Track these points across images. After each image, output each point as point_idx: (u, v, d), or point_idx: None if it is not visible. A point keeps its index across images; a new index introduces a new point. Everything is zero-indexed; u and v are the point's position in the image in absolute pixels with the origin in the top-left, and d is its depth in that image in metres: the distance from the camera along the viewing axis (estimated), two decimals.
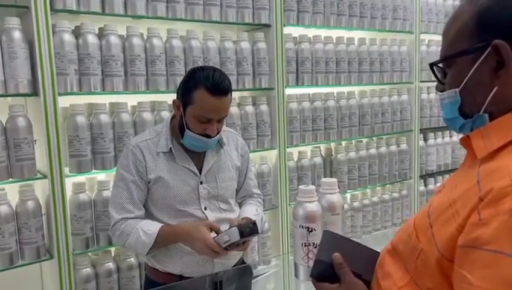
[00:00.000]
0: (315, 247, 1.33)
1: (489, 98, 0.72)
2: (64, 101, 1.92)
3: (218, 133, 1.53)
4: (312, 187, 1.42)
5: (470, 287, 0.61)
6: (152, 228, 1.49)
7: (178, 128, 1.54)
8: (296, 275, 1.37)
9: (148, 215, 1.57)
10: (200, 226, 1.46)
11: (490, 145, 0.71)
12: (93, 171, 1.98)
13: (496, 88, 0.72)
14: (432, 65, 0.83)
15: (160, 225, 1.51)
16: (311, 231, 1.34)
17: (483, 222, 0.61)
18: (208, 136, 1.50)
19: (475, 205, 0.63)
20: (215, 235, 1.45)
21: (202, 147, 1.54)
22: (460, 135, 0.81)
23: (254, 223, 1.45)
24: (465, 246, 0.63)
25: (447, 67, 0.80)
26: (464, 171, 0.77)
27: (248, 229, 1.42)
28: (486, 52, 0.72)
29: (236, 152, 1.69)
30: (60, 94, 1.85)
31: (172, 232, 1.50)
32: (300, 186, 1.42)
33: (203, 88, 1.43)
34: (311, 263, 1.34)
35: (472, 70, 0.74)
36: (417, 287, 0.72)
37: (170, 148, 1.54)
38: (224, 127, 1.61)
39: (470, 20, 0.74)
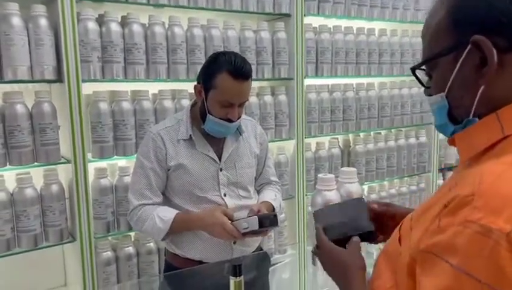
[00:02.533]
0: None
1: (476, 99, 0.66)
2: (87, 88, 1.96)
3: (239, 118, 1.54)
4: (331, 176, 1.43)
5: None
6: (168, 214, 1.52)
7: (199, 114, 1.56)
8: (314, 263, 1.38)
9: (168, 202, 1.60)
10: (215, 211, 1.48)
11: (472, 149, 0.67)
12: (115, 157, 2.02)
13: (482, 88, 0.65)
14: (413, 70, 0.77)
15: (175, 211, 1.53)
16: None
17: (441, 229, 0.60)
18: (230, 121, 1.51)
19: (439, 212, 0.62)
20: (229, 221, 1.47)
21: (223, 132, 1.56)
22: None
23: (275, 215, 1.46)
24: (424, 251, 0.62)
25: (431, 70, 0.73)
26: (454, 173, 0.76)
27: (268, 221, 1.44)
28: (467, 50, 0.65)
29: (255, 140, 1.70)
30: (83, 81, 1.89)
31: (188, 219, 1.53)
32: (320, 175, 1.43)
33: (225, 72, 1.45)
34: None
35: (455, 72, 0.67)
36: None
37: (190, 135, 1.56)
38: (243, 116, 1.62)
39: (445, 18, 0.68)
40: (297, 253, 2.53)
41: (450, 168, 3.29)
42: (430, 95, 0.76)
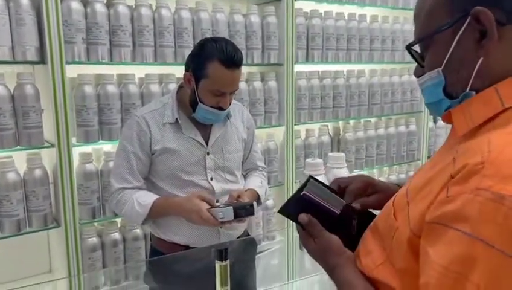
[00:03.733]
0: None
1: (474, 72, 0.67)
2: (72, 71, 1.91)
3: (229, 105, 1.52)
4: (319, 161, 1.41)
5: (428, 260, 0.60)
6: (147, 199, 1.50)
7: (189, 102, 1.52)
8: (301, 247, 1.37)
9: (153, 186, 1.57)
10: (192, 198, 1.45)
11: (471, 122, 0.67)
12: (100, 141, 1.98)
13: (480, 60, 0.66)
14: (408, 47, 0.76)
15: (155, 196, 1.51)
16: None
17: (450, 199, 0.59)
18: (221, 109, 1.49)
19: (446, 182, 0.61)
20: (208, 207, 1.45)
21: (214, 119, 1.53)
22: None
23: (251, 205, 1.45)
24: (431, 222, 0.61)
25: (425, 49, 0.74)
26: (446, 148, 0.75)
27: (244, 211, 1.43)
28: (466, 22, 0.66)
29: (242, 124, 1.68)
30: (67, 63, 1.84)
31: (166, 205, 1.51)
32: (308, 160, 1.42)
33: (216, 61, 1.41)
34: None
35: (453, 45, 0.68)
36: (392, 267, 0.70)
37: (176, 118, 1.53)
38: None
39: None
40: (286, 239, 2.53)
41: None
42: (420, 76, 0.76)
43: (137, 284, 2.01)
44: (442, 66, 0.70)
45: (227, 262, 1.15)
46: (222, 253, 1.13)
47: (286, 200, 0.90)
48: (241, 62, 1.45)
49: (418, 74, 0.77)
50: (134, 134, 1.52)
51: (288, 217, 0.90)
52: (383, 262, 0.72)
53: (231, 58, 1.41)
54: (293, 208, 0.88)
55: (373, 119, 2.97)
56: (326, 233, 0.82)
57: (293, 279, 1.91)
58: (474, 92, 0.68)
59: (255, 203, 1.49)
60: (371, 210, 0.95)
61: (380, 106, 2.91)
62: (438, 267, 0.58)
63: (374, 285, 0.73)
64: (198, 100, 1.48)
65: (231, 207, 1.41)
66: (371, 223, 0.82)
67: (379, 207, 0.94)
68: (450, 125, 0.80)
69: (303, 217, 0.84)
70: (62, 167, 1.85)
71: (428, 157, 3.23)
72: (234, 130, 1.64)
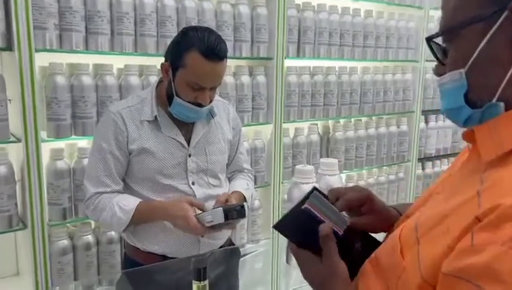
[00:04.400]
0: None
1: (506, 78, 0.55)
2: (42, 59, 1.75)
3: (210, 102, 1.38)
4: (310, 167, 1.30)
5: None
6: (129, 203, 1.36)
7: (166, 95, 1.39)
8: (287, 261, 1.26)
9: (129, 190, 1.44)
10: (180, 203, 1.33)
11: (500, 146, 0.55)
12: (73, 137, 1.83)
13: None
14: (429, 40, 0.66)
15: (138, 200, 1.38)
16: None
17: (476, 248, 0.48)
18: (199, 105, 1.35)
19: (469, 225, 0.50)
20: (199, 212, 1.32)
21: (192, 117, 1.40)
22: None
23: (242, 206, 1.32)
24: (451, 275, 0.50)
25: (449, 41, 0.63)
26: (466, 174, 0.62)
27: (235, 213, 1.30)
28: (502, 18, 0.55)
29: (228, 124, 1.55)
30: (37, 50, 1.67)
31: (151, 209, 1.38)
32: (298, 166, 1.30)
33: (196, 51, 1.28)
34: None
35: (482, 44, 0.57)
36: None
37: (155, 116, 1.39)
38: (216, 96, 1.46)
39: None
40: (271, 243, 2.42)
41: (429, 158, 3.22)
42: (441, 75, 0.64)
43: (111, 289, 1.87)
44: (467, 67, 0.59)
45: (206, 282, 1.03)
46: (200, 272, 1.01)
47: (283, 214, 0.77)
48: (224, 54, 1.32)
49: (438, 72, 0.66)
50: (110, 132, 1.37)
51: (283, 233, 0.78)
52: None
53: (212, 49, 1.28)
54: (291, 223, 0.76)
55: (364, 119, 2.86)
56: (337, 256, 0.70)
57: (277, 288, 1.81)
58: (502, 104, 0.57)
59: (246, 204, 1.36)
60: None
61: (372, 105, 2.80)
62: None
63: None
64: (174, 93, 1.34)
65: (221, 209, 1.28)
66: (372, 255, 0.70)
67: (371, 230, 0.83)
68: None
69: (325, 227, 0.70)
70: (29, 163, 1.70)
71: (419, 159, 3.14)
72: (219, 130, 1.51)
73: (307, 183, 1.25)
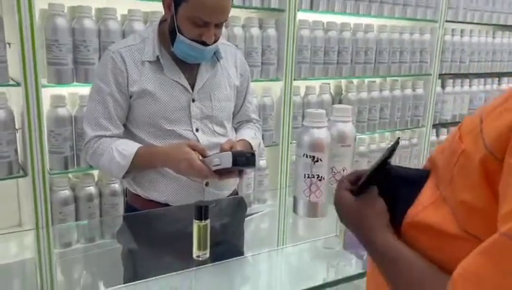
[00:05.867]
0: (319, 179, 1.15)
1: None
2: (42, 1, 1.66)
3: (215, 41, 1.29)
4: (321, 111, 1.21)
5: None
6: (128, 148, 1.29)
7: (168, 33, 1.30)
8: (295, 210, 1.19)
9: (130, 135, 1.37)
10: (182, 146, 1.25)
11: None
12: (75, 83, 1.76)
13: None
14: None
15: (138, 145, 1.31)
16: (317, 161, 1.16)
17: None
18: (204, 44, 1.26)
19: None
20: (201, 158, 1.25)
21: (196, 57, 1.31)
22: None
23: (253, 154, 1.24)
24: None
25: None
26: None
27: (244, 159, 1.21)
28: None
29: (234, 69, 1.46)
30: None
31: (152, 154, 1.30)
32: (309, 110, 1.21)
33: None
34: (313, 198, 1.16)
35: None
36: (444, 204, 0.56)
37: (157, 56, 1.30)
38: (222, 40, 1.36)
39: None
40: (278, 203, 2.37)
41: (444, 124, 3.11)
42: None
43: (113, 243, 1.84)
44: None
45: (207, 222, 0.96)
46: (201, 210, 0.95)
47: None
48: None
49: None
50: (109, 72, 1.29)
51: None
52: (433, 201, 0.58)
53: None
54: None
55: (378, 80, 2.75)
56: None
57: (283, 245, 1.76)
58: None
59: (256, 152, 1.28)
60: None
61: (387, 65, 2.68)
62: None
63: (414, 236, 0.60)
64: (177, 31, 1.25)
65: (229, 153, 1.19)
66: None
67: None
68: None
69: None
70: (29, 108, 1.64)
71: (434, 125, 3.03)
72: (225, 75, 1.42)
73: (318, 127, 1.17)
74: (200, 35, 1.24)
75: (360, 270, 1.17)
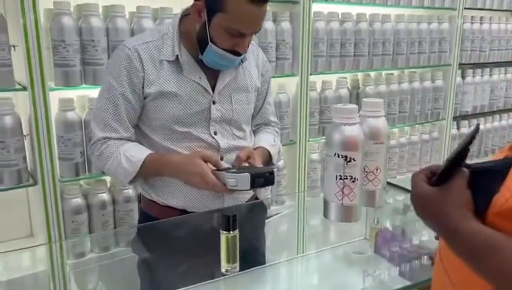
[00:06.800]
0: (352, 181, 1.06)
1: None
2: (47, 1, 1.58)
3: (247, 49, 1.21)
4: (353, 106, 1.11)
5: None
6: (137, 154, 1.20)
7: (197, 40, 1.20)
8: (326, 215, 1.09)
9: (141, 136, 1.28)
10: (194, 158, 1.17)
11: None
12: (83, 85, 1.67)
13: None
14: None
15: (147, 151, 1.22)
16: (349, 161, 1.06)
17: None
18: (237, 53, 1.17)
19: None
20: (214, 168, 1.16)
21: (225, 65, 1.22)
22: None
23: (272, 172, 1.15)
24: None
25: None
26: None
27: (262, 180, 1.13)
28: None
29: (256, 69, 1.36)
30: None
31: (161, 163, 1.22)
32: (338, 105, 1.11)
33: None
34: (347, 201, 1.07)
35: None
36: None
37: (177, 56, 1.21)
38: None
39: None
40: (297, 204, 2.28)
41: (464, 116, 2.99)
42: None
43: (129, 251, 1.75)
44: None
45: (236, 233, 0.87)
46: (229, 221, 0.85)
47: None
48: None
49: None
50: (123, 70, 1.20)
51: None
52: None
53: None
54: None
55: (396, 72, 2.64)
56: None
57: (308, 250, 1.66)
58: None
59: (275, 169, 1.19)
60: None
61: (406, 57, 2.57)
62: None
63: (502, 225, 0.56)
64: (209, 40, 1.16)
65: (247, 174, 1.11)
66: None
67: None
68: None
69: None
70: (37, 113, 1.56)
71: (454, 117, 2.91)
72: (247, 76, 1.32)
73: (350, 124, 1.07)
74: (234, 45, 1.16)
75: (405, 281, 1.08)
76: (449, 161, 0.64)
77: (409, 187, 0.71)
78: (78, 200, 1.71)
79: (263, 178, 1.12)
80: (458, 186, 0.62)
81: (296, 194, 2.32)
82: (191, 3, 1.18)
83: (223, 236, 0.86)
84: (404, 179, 2.71)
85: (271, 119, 1.48)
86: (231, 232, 0.85)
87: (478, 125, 0.67)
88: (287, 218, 2.16)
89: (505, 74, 3.10)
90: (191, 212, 1.28)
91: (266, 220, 1.61)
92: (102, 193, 1.76)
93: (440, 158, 2.91)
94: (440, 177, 0.65)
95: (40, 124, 1.57)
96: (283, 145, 2.21)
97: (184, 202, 1.27)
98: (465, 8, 2.75)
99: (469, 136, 0.64)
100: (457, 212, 0.61)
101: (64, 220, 1.67)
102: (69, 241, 1.68)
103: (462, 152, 0.64)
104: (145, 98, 1.23)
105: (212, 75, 1.26)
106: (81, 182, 1.80)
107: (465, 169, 0.65)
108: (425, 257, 1.19)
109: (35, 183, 1.63)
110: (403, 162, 2.74)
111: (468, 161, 0.66)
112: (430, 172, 0.69)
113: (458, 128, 3.00)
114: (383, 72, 2.59)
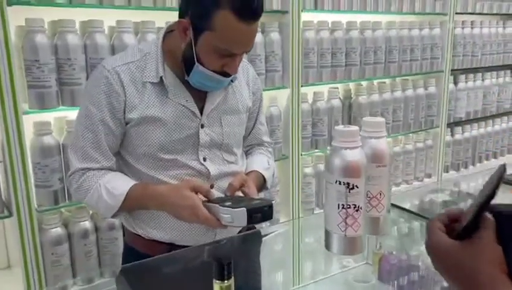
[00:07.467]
0: (356, 210, 0.96)
1: None
2: (17, 16, 1.47)
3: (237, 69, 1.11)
4: (355, 128, 1.02)
5: None
6: (119, 186, 1.09)
7: (183, 60, 1.09)
8: (328, 247, 0.99)
9: (123, 164, 1.17)
10: (182, 189, 1.05)
11: None
12: (61, 107, 1.56)
13: None
14: None
15: (131, 182, 1.11)
16: (352, 188, 0.96)
17: None
18: (225, 74, 1.08)
19: None
20: (204, 199, 1.06)
21: (212, 86, 1.12)
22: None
23: (270, 205, 1.05)
24: None
25: None
26: None
27: (260, 215, 1.02)
28: None
29: (247, 88, 1.26)
30: (9, 4, 1.39)
31: (146, 196, 1.10)
32: (338, 127, 1.02)
33: (228, 9, 0.98)
34: (350, 232, 0.97)
35: None
36: None
37: (161, 77, 1.10)
38: None
39: None
40: (291, 221, 2.18)
41: (458, 122, 2.94)
42: None
43: (113, 282, 1.64)
44: None
45: (231, 282, 0.77)
46: (224, 270, 0.75)
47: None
48: (261, 12, 1.03)
49: None
50: (102, 94, 1.08)
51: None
52: None
53: (249, 6, 0.99)
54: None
55: (387, 80, 2.57)
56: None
57: (299, 284, 1.56)
58: None
59: (274, 202, 1.09)
60: None
61: (398, 64, 2.50)
62: None
63: None
64: (195, 60, 1.06)
65: (244, 209, 1.00)
66: None
67: None
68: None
69: None
70: (9, 139, 1.44)
71: (448, 124, 2.85)
72: (238, 97, 1.22)
73: (351, 148, 0.98)
74: (223, 66, 1.06)
75: None
76: (476, 208, 0.55)
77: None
78: (58, 230, 1.59)
79: (261, 213, 1.01)
80: (487, 241, 0.54)
81: (291, 222, 2.23)
82: (176, 20, 1.08)
83: (216, 286, 0.76)
84: (401, 191, 2.63)
85: (264, 140, 1.38)
86: (225, 281, 0.75)
87: (504, 165, 0.58)
88: (282, 238, 2.06)
89: (497, 78, 3.07)
90: (180, 246, 1.17)
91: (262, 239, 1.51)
92: (84, 220, 1.64)
93: (435, 166, 2.85)
94: (465, 231, 0.56)
95: (13, 151, 1.45)
96: (276, 161, 2.12)
97: (172, 235, 1.16)
98: (456, 13, 2.70)
99: (496, 178, 0.55)
100: (491, 270, 0.52)
101: (43, 253, 1.55)
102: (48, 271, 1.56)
103: (488, 199, 0.54)
104: (126, 124, 1.12)
105: (200, 96, 1.16)
106: (62, 209, 1.68)
107: (490, 217, 0.55)
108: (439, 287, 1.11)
109: (10, 215, 1.51)
110: (398, 172, 2.67)
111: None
112: (447, 218, 0.60)
113: (452, 135, 2.94)
114: (375, 81, 2.51)
